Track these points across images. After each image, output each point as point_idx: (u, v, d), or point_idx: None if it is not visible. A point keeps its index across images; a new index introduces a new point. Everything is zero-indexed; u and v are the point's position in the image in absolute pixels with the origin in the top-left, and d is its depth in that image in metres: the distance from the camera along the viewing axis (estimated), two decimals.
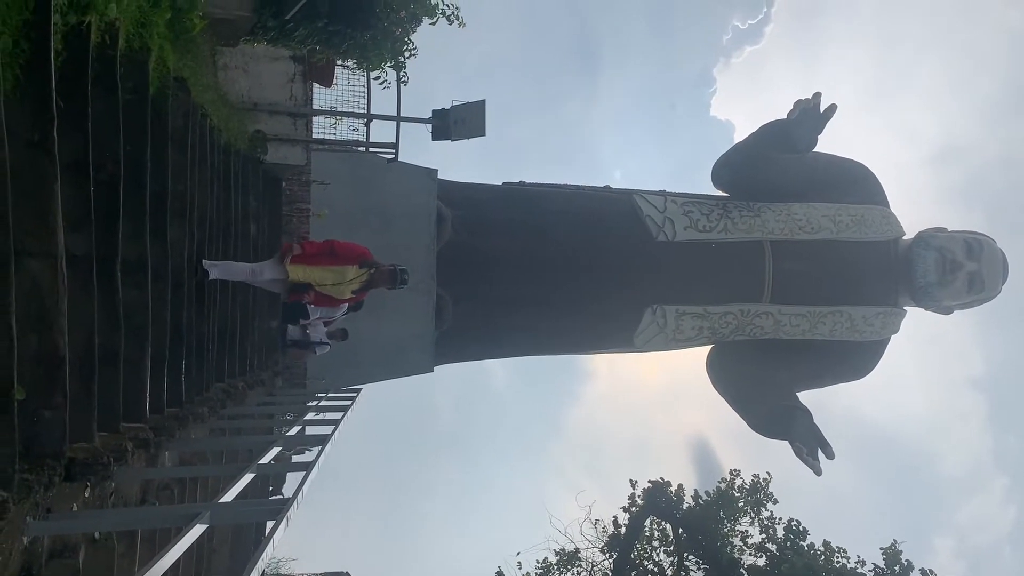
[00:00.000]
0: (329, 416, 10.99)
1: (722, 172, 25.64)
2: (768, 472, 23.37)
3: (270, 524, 5.10)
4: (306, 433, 10.10)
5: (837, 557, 21.41)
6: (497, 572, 22.85)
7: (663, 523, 22.93)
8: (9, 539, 4.32)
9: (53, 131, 4.85)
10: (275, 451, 7.72)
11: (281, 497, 5.37)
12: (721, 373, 27.06)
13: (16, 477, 4.29)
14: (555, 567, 23.06)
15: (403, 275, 10.23)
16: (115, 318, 6.09)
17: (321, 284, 9.95)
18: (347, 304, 10.77)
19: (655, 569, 22.55)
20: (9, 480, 4.22)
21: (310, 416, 11.15)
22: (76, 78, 5.48)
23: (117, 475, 5.68)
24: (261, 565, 4.19)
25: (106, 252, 5.91)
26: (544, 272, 22.34)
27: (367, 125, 15.79)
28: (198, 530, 4.73)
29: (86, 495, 5.55)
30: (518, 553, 23.35)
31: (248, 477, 6.34)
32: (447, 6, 11.08)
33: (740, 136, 27.24)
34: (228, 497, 5.72)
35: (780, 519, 22.84)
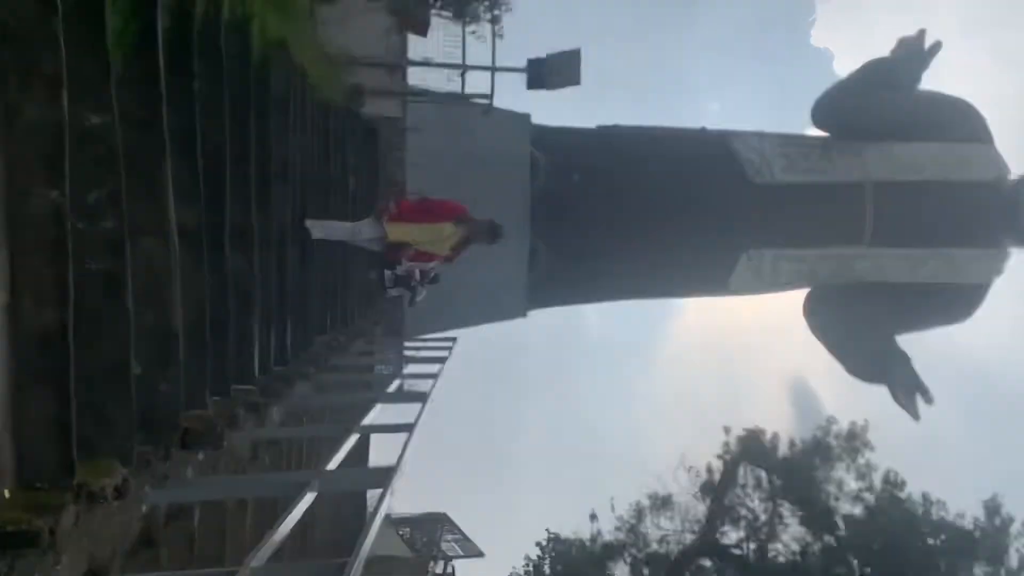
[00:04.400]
0: (426, 369, 11.13)
1: (823, 112, 25.01)
2: (865, 419, 23.00)
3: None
4: (405, 387, 10.31)
5: (935, 510, 21.11)
6: (591, 515, 23.07)
7: (758, 470, 22.82)
8: (130, 510, 4.49)
9: (162, 108, 4.94)
10: (377, 409, 7.88)
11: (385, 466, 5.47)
12: (818, 318, 26.67)
13: (135, 451, 4.44)
14: (648, 511, 23.17)
15: (499, 230, 10.22)
16: (224, 286, 6.23)
17: (418, 242, 9.99)
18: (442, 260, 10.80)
19: (749, 515, 22.50)
20: (128, 454, 4.37)
21: (409, 369, 11.33)
22: (182, 52, 5.57)
23: (229, 439, 5.85)
24: (372, 536, 4.28)
25: (214, 222, 6.04)
26: (638, 216, 22.16)
27: (462, 76, 15.78)
28: (309, 499, 4.85)
29: (199, 457, 5.72)
30: (611, 498, 23.49)
31: (353, 439, 6.48)
32: None
33: (838, 66, 26.41)
34: (335, 461, 5.85)
35: (877, 467, 22.56)
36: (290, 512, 4.53)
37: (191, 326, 5.48)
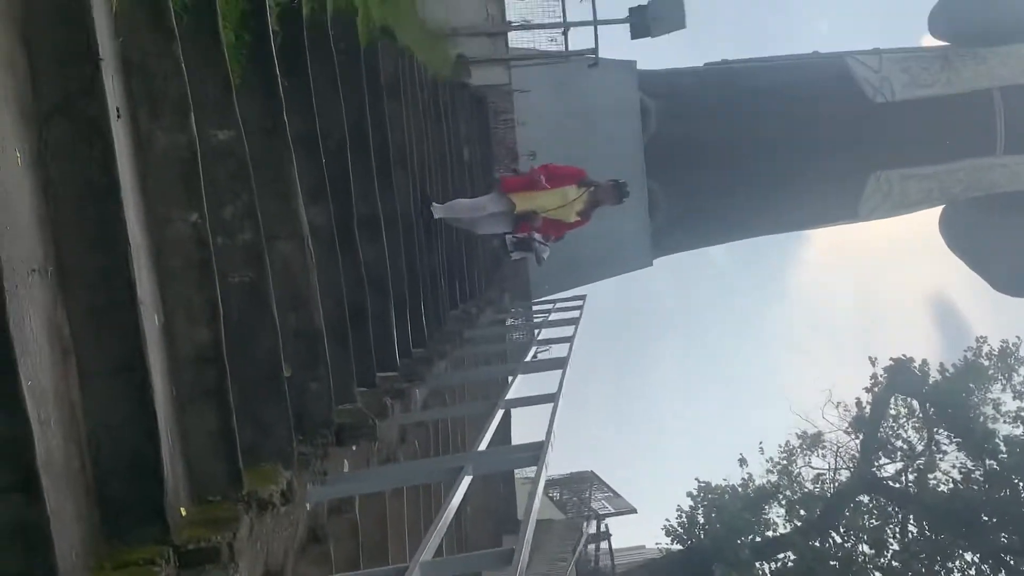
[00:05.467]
0: (560, 332, 11.12)
1: (940, 20, 23.97)
2: (1018, 336, 22.05)
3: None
4: (540, 353, 10.35)
5: None
6: (740, 459, 22.85)
7: (909, 399, 22.17)
8: (296, 510, 4.62)
9: (283, 114, 5.00)
10: (518, 380, 7.91)
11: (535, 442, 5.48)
12: (955, 233, 25.86)
13: (295, 453, 4.56)
14: (799, 450, 22.79)
15: (624, 189, 10.08)
16: (358, 277, 6.34)
17: (546, 209, 9.90)
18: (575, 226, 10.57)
19: (904, 447, 21.91)
20: (289, 457, 4.48)
21: (542, 334, 11.35)
22: (294, 54, 5.62)
23: (380, 429, 5.96)
24: (534, 522, 4.31)
25: (343, 216, 6.13)
26: (757, 152, 21.72)
27: (564, 34, 15.62)
28: (466, 482, 4.90)
29: (353, 449, 5.85)
30: (760, 441, 23.18)
31: (499, 415, 6.52)
32: None
33: None
34: (484, 440, 5.91)
35: None
36: (451, 499, 4.58)
37: (332, 322, 5.59)
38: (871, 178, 22.83)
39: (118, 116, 3.37)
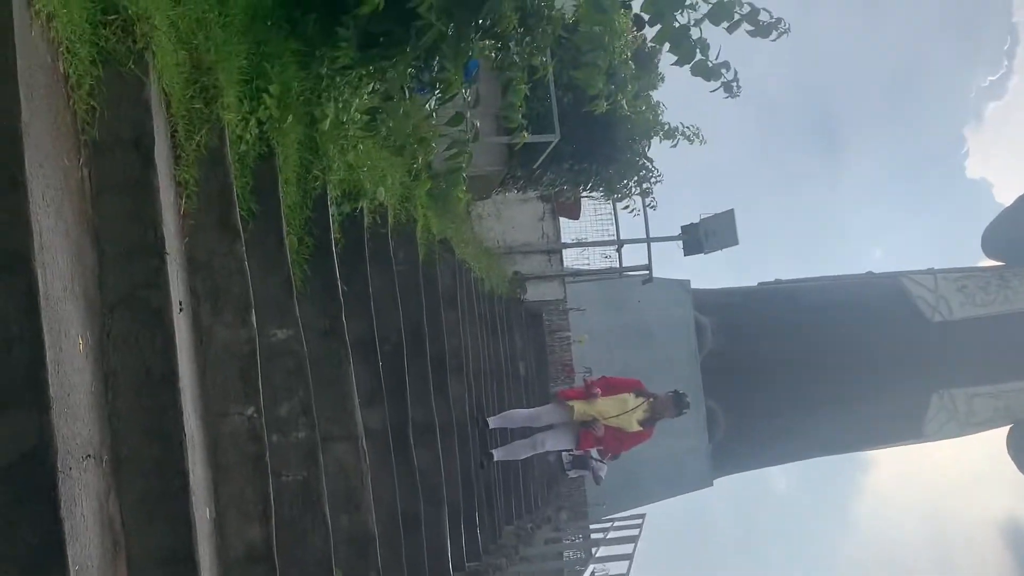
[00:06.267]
0: (618, 551, 10.84)
1: (994, 241, 24.26)
2: None
3: None
4: (598, 572, 10.03)
5: None
6: None
7: None
8: None
9: (342, 317, 5.10)
10: None
11: None
12: None
13: None
14: None
15: (684, 400, 9.92)
16: (412, 482, 6.27)
17: (605, 416, 9.75)
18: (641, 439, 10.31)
19: None
20: None
21: (600, 552, 11.05)
22: (354, 261, 5.79)
23: None
24: None
25: (398, 420, 6.13)
26: (816, 371, 21.58)
27: (618, 251, 16.00)
28: None
29: None
30: None
31: None
32: (687, 128, 11.10)
33: (999, 194, 25.83)
34: None
35: None
36: None
37: (385, 527, 5.49)
38: (934, 397, 22.52)
39: (180, 309, 3.45)
